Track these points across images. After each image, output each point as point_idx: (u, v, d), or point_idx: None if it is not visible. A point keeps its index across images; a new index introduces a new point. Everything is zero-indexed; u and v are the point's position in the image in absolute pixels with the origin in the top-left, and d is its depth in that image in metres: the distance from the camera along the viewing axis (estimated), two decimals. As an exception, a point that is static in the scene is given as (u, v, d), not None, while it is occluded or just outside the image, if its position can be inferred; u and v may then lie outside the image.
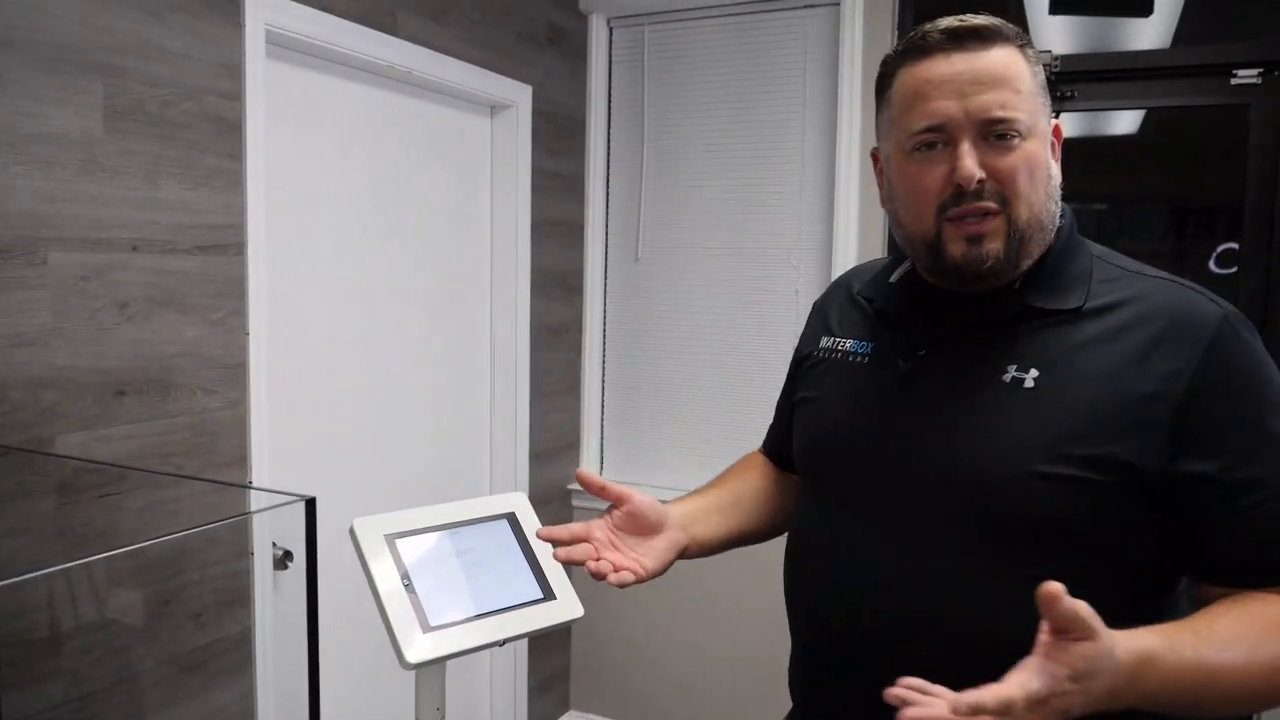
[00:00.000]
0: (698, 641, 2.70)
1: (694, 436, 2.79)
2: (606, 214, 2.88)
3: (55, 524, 1.44)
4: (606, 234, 2.88)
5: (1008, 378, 0.86)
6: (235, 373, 1.73)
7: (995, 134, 0.85)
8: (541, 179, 2.60)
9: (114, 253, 1.52)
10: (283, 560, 1.87)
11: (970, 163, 0.84)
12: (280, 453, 1.89)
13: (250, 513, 1.77)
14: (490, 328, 2.59)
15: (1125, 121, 2.34)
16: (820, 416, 1.03)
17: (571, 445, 2.87)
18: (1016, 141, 0.85)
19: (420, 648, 1.26)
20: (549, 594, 1.36)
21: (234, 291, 1.72)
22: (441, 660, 1.27)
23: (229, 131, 1.69)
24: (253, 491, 1.76)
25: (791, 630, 1.10)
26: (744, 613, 2.62)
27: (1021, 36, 0.88)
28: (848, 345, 1.02)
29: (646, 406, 2.86)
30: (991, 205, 0.86)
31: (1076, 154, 2.39)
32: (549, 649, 2.82)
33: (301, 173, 1.95)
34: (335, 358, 2.07)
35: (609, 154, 2.85)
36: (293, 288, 1.94)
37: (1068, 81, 2.27)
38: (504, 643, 1.30)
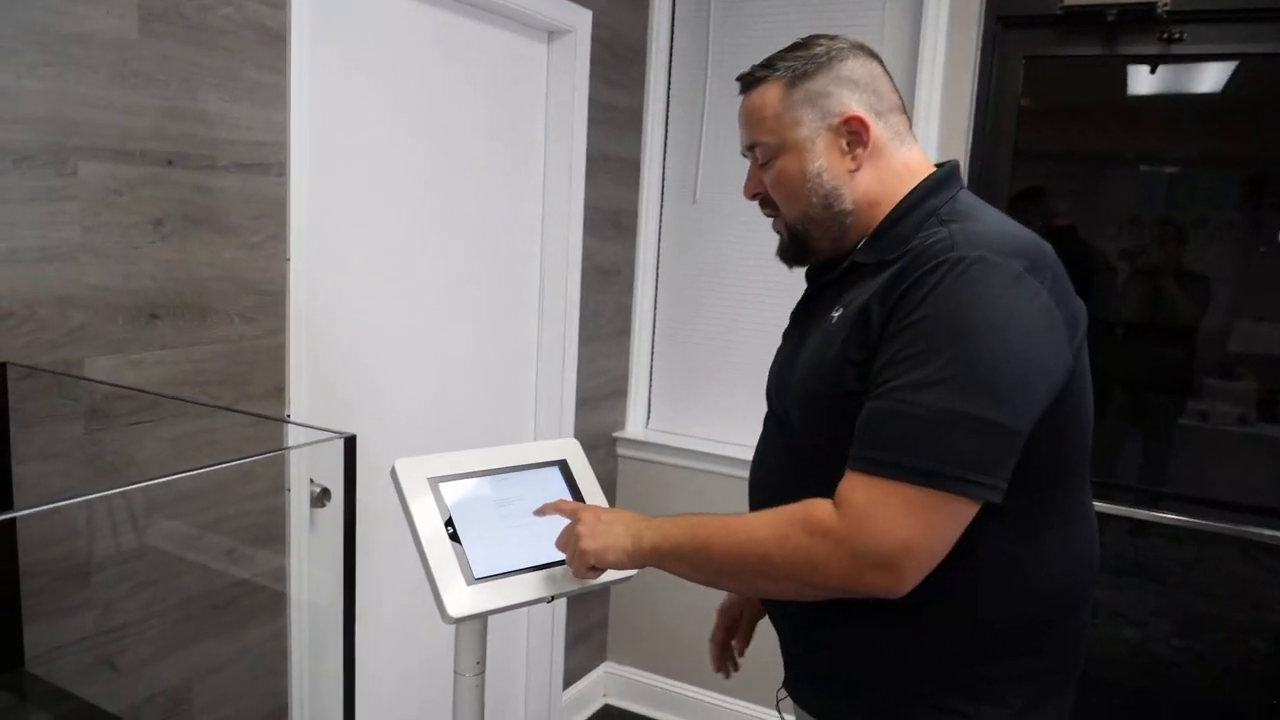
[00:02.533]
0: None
1: (747, 389, 2.67)
2: (664, 151, 2.73)
3: (84, 450, 1.37)
4: (663, 172, 2.74)
5: (831, 316, 1.08)
6: (274, 300, 1.63)
7: (757, 159, 1.15)
8: (598, 111, 2.47)
9: (148, 166, 1.42)
10: (320, 498, 1.80)
11: (746, 184, 1.19)
12: (319, 386, 1.80)
13: (288, 448, 1.69)
14: (540, 265, 2.47)
15: (1210, 78, 2.15)
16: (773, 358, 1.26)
17: (619, 392, 2.76)
18: (772, 162, 1.13)
19: (463, 600, 1.17)
20: None
21: (275, 214, 1.62)
22: (484, 615, 1.18)
23: (272, 42, 1.58)
24: (290, 426, 1.67)
25: None
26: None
27: (792, 62, 1.13)
28: (806, 293, 1.23)
29: (698, 355, 2.74)
30: (768, 210, 1.18)
31: (1153, 113, 2.21)
32: (588, 600, 2.74)
33: (347, 93, 1.84)
34: (378, 290, 1.97)
35: (669, 87, 2.70)
36: (336, 214, 1.83)
37: (1179, 22, 2.08)
38: (553, 599, 1.21)
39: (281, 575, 1.71)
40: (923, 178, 1.10)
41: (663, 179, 2.74)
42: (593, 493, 1.36)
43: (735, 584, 1.08)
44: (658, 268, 2.78)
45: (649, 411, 2.84)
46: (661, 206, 2.76)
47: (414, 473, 1.25)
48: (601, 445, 2.72)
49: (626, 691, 2.82)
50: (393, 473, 1.25)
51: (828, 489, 0.96)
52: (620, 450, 2.78)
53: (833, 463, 0.98)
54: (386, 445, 2.03)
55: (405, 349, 2.06)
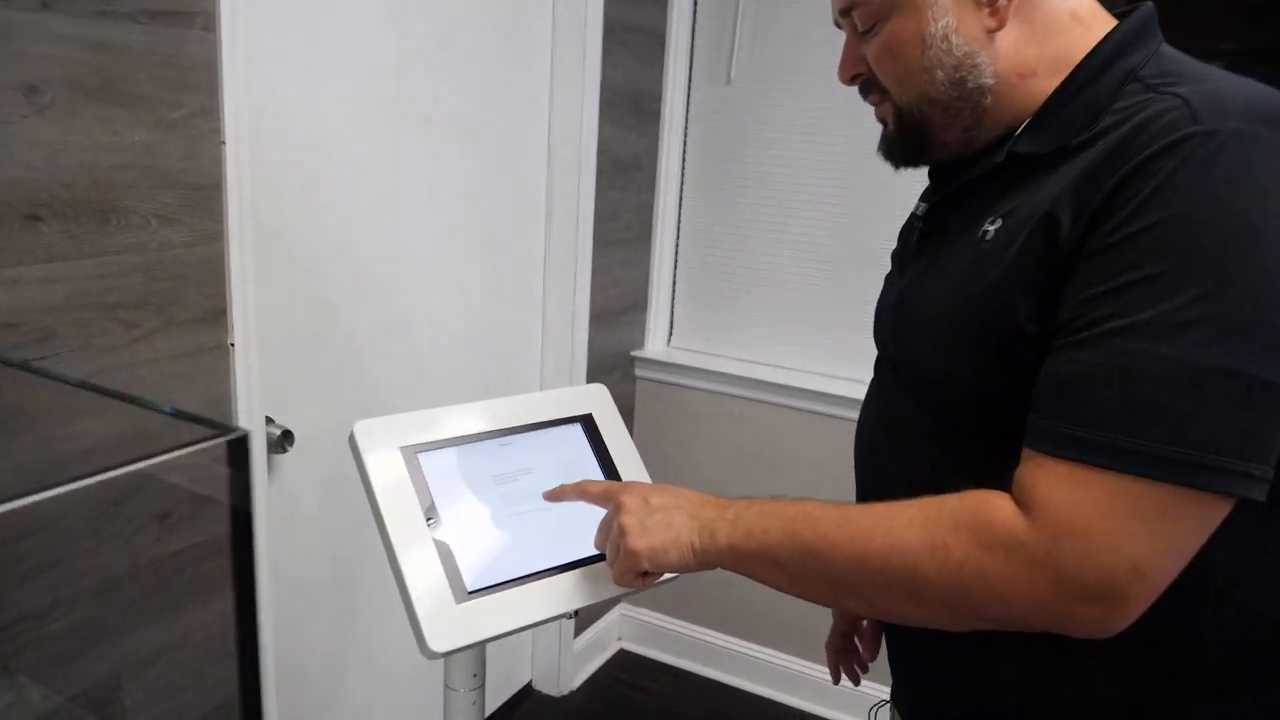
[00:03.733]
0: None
1: (787, 309, 2.30)
2: (694, 21, 2.30)
3: (-59, 400, 1.01)
4: (692, 47, 2.31)
5: (982, 232, 0.78)
6: (205, 197, 1.25)
7: (856, 27, 0.83)
8: (618, -34, 2.02)
9: (13, 10, 1.01)
10: (281, 441, 1.46)
11: (841, 64, 0.86)
12: (272, 307, 1.43)
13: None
14: (547, 157, 2.07)
15: None
16: (881, 290, 0.98)
17: (637, 306, 2.40)
18: (878, 27, 0.81)
19: (450, 626, 0.82)
20: None
21: (202, 81, 1.22)
22: (482, 644, 0.83)
23: None
24: (236, 355, 1.31)
25: None
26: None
27: None
28: (920, 209, 0.92)
29: (730, 264, 2.36)
30: (873, 96, 0.86)
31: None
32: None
33: (301, -77, 1.40)
34: (346, 185, 1.57)
35: (702, -59, 2.24)
36: (288, 84, 1.43)
37: None
38: (576, 613, 0.85)
39: (235, 538, 1.36)
40: (1105, 31, 0.78)
41: (691, 55, 2.32)
42: (628, 461, 1.01)
43: (856, 603, 0.75)
44: (684, 161, 2.38)
45: (671, 328, 2.49)
46: (690, 88, 2.33)
47: (380, 440, 0.89)
48: (618, 365, 2.38)
49: (642, 636, 2.55)
50: (351, 440, 0.89)
51: (980, 466, 0.71)
52: (639, 371, 2.44)
53: (986, 430, 0.74)
54: (358, 385, 1.66)
55: (382, 259, 1.68)
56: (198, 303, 1.26)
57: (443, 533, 0.87)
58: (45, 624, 1.15)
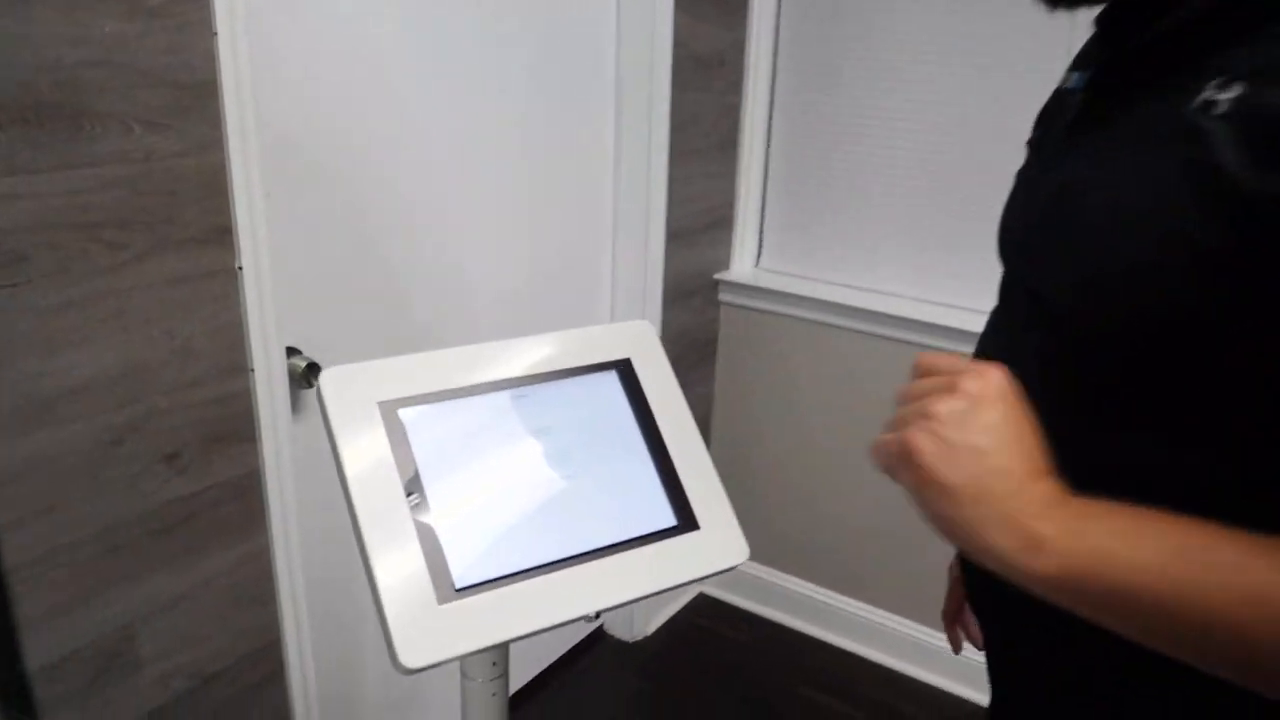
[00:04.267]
0: (860, 481, 2.08)
1: (891, 228, 2.03)
2: (790, -109, 1.99)
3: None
4: (788, -78, 2.02)
5: (1203, 102, 0.51)
6: (198, 98, 1.08)
7: None
8: None
9: None
10: (306, 375, 1.34)
11: None
12: (288, 226, 1.28)
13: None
14: (616, 54, 1.83)
15: None
16: (1012, 191, 0.75)
17: (722, 222, 2.18)
18: None
19: (428, 635, 0.65)
20: (687, 520, 0.78)
21: (188, -40, 1.04)
22: (471, 656, 0.66)
23: None
24: (246, 280, 1.16)
25: None
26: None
27: None
28: (1073, 80, 0.69)
29: (827, 179, 2.10)
30: None
31: None
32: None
33: None
34: (372, 82, 1.38)
35: None
36: (304, -33, 1.23)
37: None
38: (598, 615, 0.71)
39: (254, 482, 1.27)
40: None
41: (786, -68, 2.02)
42: (674, 420, 0.83)
43: (1241, 672, 0.48)
44: (776, 58, 2.10)
45: (760, 247, 2.26)
46: (784, -29, 2.05)
47: (353, 391, 0.72)
48: (700, 290, 2.17)
49: (723, 580, 2.41)
50: (318, 393, 0.71)
51: (1132, 457, 0.55)
52: (723, 295, 2.23)
53: (1164, 411, 0.55)
54: (395, 315, 1.50)
55: (420, 170, 1.49)
56: (197, 221, 1.11)
57: (427, 513, 0.70)
58: (41, 574, 1.05)
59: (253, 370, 1.21)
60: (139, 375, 1.09)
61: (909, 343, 1.98)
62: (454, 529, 0.70)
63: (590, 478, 0.76)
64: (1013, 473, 0.51)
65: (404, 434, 0.72)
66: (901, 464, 0.54)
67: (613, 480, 0.76)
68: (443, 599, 0.67)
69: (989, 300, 0.77)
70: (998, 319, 0.77)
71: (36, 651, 1.06)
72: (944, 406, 0.52)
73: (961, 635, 1.00)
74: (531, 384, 0.79)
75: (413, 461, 0.71)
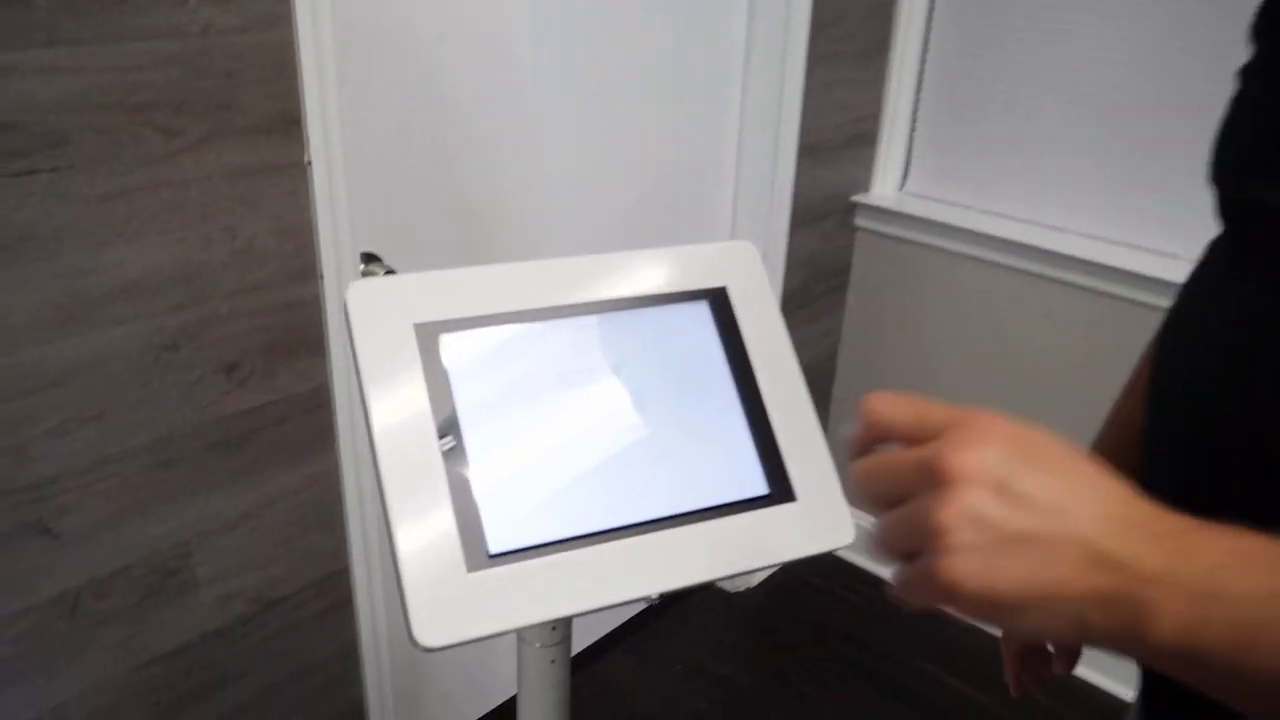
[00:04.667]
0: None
1: (1065, 151, 1.80)
2: None
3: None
4: None
5: None
6: (262, -37, 0.99)
7: None
8: None
9: None
10: None
11: None
12: (367, 117, 1.19)
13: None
14: (754, -65, 1.66)
15: None
16: (1241, 87, 0.59)
17: (864, 137, 1.99)
18: None
19: (452, 608, 0.55)
20: (782, 489, 0.66)
21: None
22: (502, 635, 0.56)
23: None
24: (315, 176, 1.09)
25: None
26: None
27: None
28: None
29: (991, 91, 1.87)
30: None
31: None
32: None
33: None
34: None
35: None
36: None
37: None
38: (660, 598, 0.63)
39: (323, 398, 1.20)
40: None
41: None
42: (773, 364, 0.70)
43: None
44: (942, -55, 1.88)
45: (907, 169, 2.06)
46: None
47: (387, 310, 0.63)
48: (833, 213, 2.00)
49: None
50: (345, 310, 0.62)
51: None
52: (860, 220, 2.05)
53: None
54: (486, 223, 1.40)
55: (513, 62, 1.37)
56: (260, 107, 1.03)
57: (463, 461, 0.60)
58: (90, 484, 1.02)
59: (322, 277, 1.14)
60: (196, 276, 1.03)
61: (1085, 289, 1.77)
62: (493, 482, 0.60)
63: (665, 431, 0.64)
64: (1075, 521, 0.39)
65: (442, 364, 0.62)
66: (945, 599, 0.41)
67: (693, 436, 0.64)
68: (473, 566, 0.57)
69: (1192, 243, 0.62)
70: (1210, 264, 0.61)
71: (82, 564, 1.05)
72: (948, 512, 0.40)
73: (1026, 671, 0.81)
74: (601, 312, 0.67)
75: (450, 398, 0.61)
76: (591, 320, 0.67)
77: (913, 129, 2.02)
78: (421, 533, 0.58)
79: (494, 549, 0.58)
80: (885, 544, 0.44)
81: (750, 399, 0.68)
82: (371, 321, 0.62)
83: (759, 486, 0.65)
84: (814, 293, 2.02)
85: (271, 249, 1.09)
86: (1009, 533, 0.39)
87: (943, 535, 0.40)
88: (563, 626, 0.75)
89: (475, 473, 0.60)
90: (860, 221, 2.05)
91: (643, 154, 1.61)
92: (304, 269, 1.13)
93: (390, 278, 0.64)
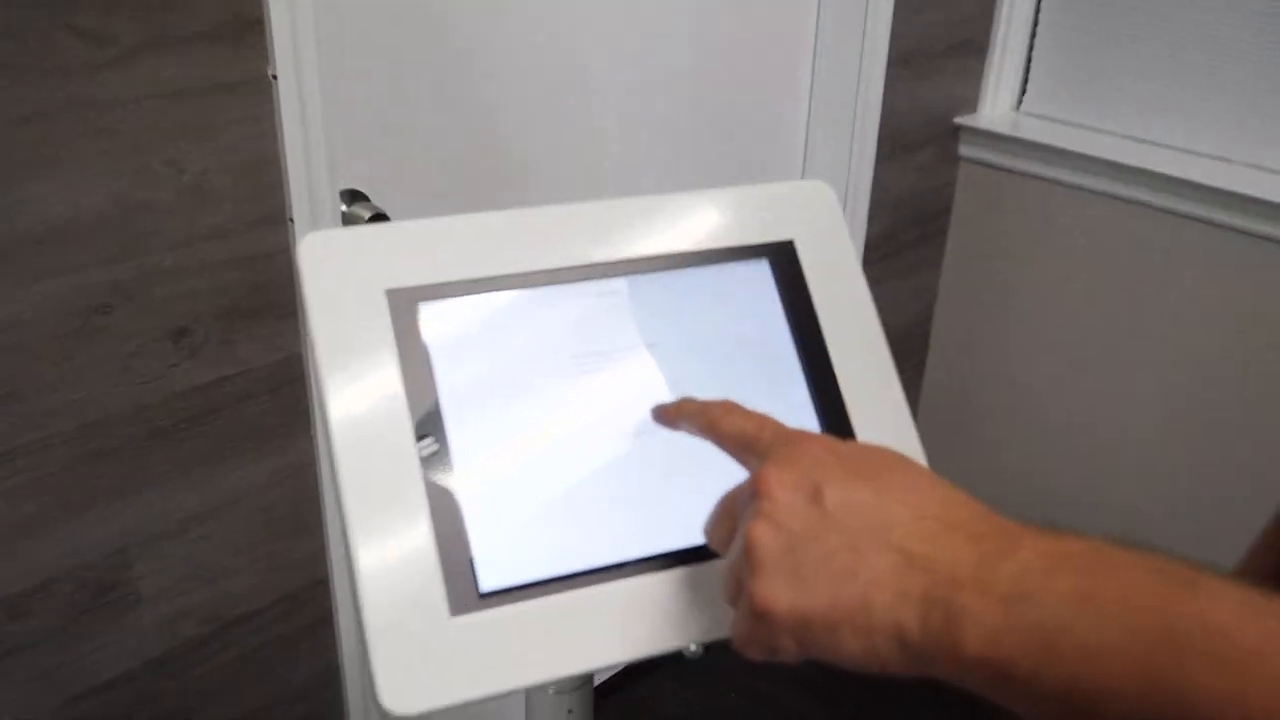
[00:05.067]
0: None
1: (1226, 63, 1.73)
2: None
3: None
4: None
5: None
6: None
7: None
8: None
9: None
10: (354, 217, 1.23)
11: None
12: (346, 11, 1.15)
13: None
14: None
15: None
16: None
17: (969, 47, 1.94)
18: None
19: (429, 666, 0.53)
20: None
21: None
22: (489, 700, 0.53)
23: None
24: (281, 94, 1.06)
25: None
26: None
27: None
28: None
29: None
30: None
31: None
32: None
33: None
34: None
35: None
36: None
37: None
38: (699, 649, 0.58)
39: (294, 370, 1.19)
40: None
41: None
42: (858, 343, 0.67)
43: None
44: None
45: (1024, 83, 2.02)
46: None
47: (351, 271, 0.60)
48: (933, 139, 1.96)
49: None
50: (295, 270, 0.58)
51: None
52: (965, 148, 2.01)
53: None
54: (497, 157, 1.36)
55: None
56: (210, 6, 0.99)
57: (446, 469, 0.56)
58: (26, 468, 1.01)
59: (292, 221, 1.11)
60: (133, 221, 0.99)
61: (1258, 235, 1.71)
62: (486, 497, 0.56)
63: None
64: (895, 526, 0.45)
65: (421, 343, 0.57)
66: (765, 633, 0.47)
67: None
68: (459, 608, 0.53)
69: None
70: None
71: None
72: (756, 529, 0.47)
73: None
74: (631, 273, 0.63)
75: (432, 387, 0.57)
76: (618, 285, 0.64)
77: (1033, 34, 1.97)
78: (392, 564, 0.55)
79: (486, 586, 0.55)
80: (724, 586, 0.50)
81: (823, 385, 0.65)
82: (331, 286, 0.59)
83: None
84: (904, 241, 1.99)
85: (227, 187, 1.05)
86: (819, 546, 0.45)
87: (751, 553, 0.46)
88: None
89: (463, 485, 0.57)
90: (966, 150, 2.01)
91: (693, 67, 1.57)
92: (269, 212, 1.10)
93: (355, 229, 0.61)
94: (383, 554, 0.54)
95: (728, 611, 0.55)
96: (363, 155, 1.21)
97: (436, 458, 0.56)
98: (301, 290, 0.58)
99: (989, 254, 2.04)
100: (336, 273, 0.59)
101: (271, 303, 1.13)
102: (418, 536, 0.54)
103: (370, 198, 1.24)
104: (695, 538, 0.56)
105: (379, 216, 1.22)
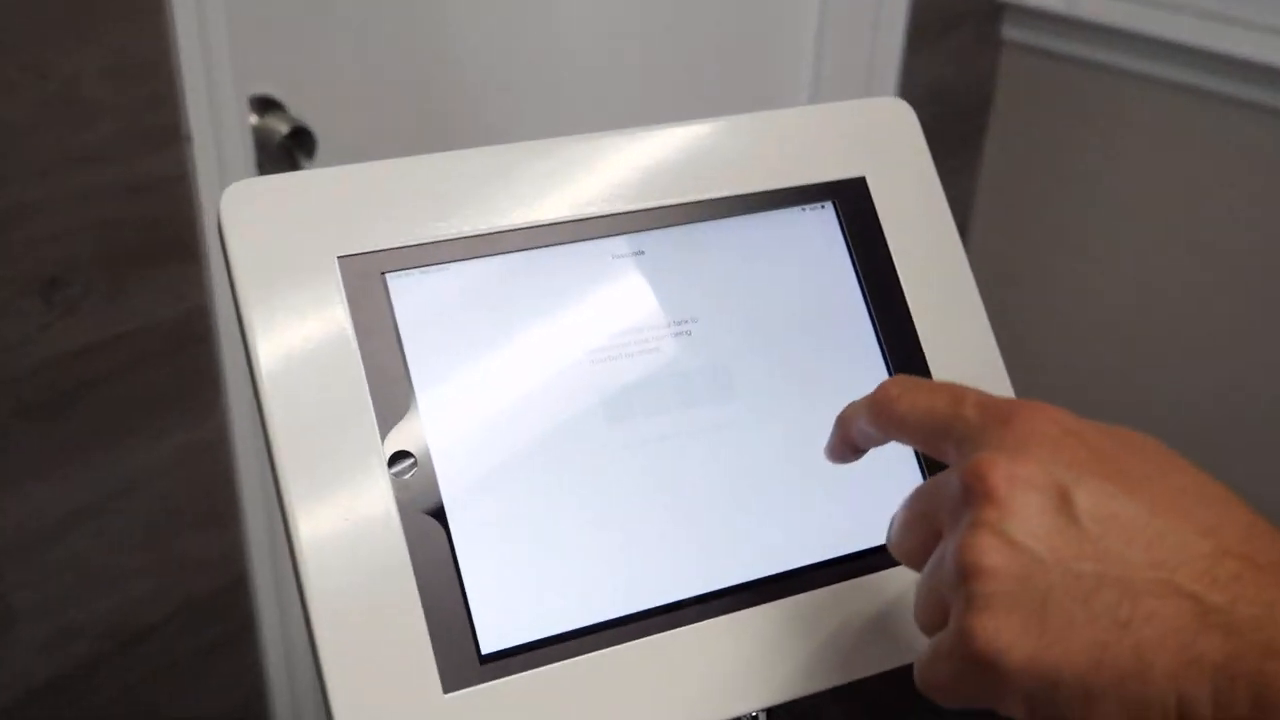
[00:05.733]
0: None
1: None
2: None
3: None
4: None
5: None
6: None
7: None
8: None
9: None
10: (289, 146, 1.24)
11: None
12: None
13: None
14: None
15: None
16: None
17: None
18: None
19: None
20: None
21: None
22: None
23: None
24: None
25: None
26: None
27: None
28: None
29: None
30: None
31: None
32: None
33: None
34: None
35: None
36: None
37: None
38: (767, 715, 0.57)
39: (200, 329, 1.18)
40: None
41: None
42: (951, 309, 0.65)
43: None
44: None
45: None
46: None
47: (289, 230, 0.55)
48: (969, 19, 1.97)
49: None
50: (220, 231, 0.55)
51: None
52: (1008, 30, 2.02)
53: None
54: (434, 73, 1.34)
55: None
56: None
57: (432, 501, 0.53)
58: None
59: (190, 139, 1.10)
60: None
61: None
62: (483, 529, 0.53)
63: (765, 432, 0.57)
64: (1181, 566, 0.40)
65: (394, 328, 0.53)
66: (985, 684, 0.42)
67: (812, 438, 0.56)
68: (454, 681, 0.50)
69: None
70: None
71: None
72: (980, 546, 0.41)
73: None
74: (654, 226, 0.60)
75: (407, 389, 0.53)
76: (641, 240, 0.59)
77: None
78: (363, 627, 0.50)
79: (489, 647, 0.51)
80: (917, 611, 0.46)
81: (908, 367, 0.61)
82: (262, 251, 0.54)
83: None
84: (935, 144, 1.96)
85: (105, 98, 1.04)
86: (1073, 577, 0.40)
87: (973, 579, 0.41)
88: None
89: (454, 516, 0.52)
90: (1010, 32, 2.02)
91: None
92: (160, 128, 1.09)
93: (292, 176, 0.56)
94: (350, 615, 0.50)
95: (805, 663, 0.56)
96: (276, 53, 1.23)
97: (415, 482, 0.52)
98: (228, 259, 0.53)
99: (1036, 158, 2.06)
100: (270, 234, 0.54)
101: (168, 243, 1.13)
102: (395, 589, 0.50)
103: (287, 107, 1.24)
104: (753, 570, 0.55)
105: (300, 131, 1.22)
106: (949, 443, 0.46)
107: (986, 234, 2.14)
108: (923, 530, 0.46)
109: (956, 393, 0.46)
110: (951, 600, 0.42)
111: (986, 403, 0.45)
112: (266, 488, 1.27)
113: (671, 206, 0.60)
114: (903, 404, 0.48)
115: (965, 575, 0.41)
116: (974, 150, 2.09)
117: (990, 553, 0.40)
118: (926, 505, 0.46)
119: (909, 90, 1.86)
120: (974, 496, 0.41)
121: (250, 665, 1.34)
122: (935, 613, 0.44)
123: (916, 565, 0.47)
